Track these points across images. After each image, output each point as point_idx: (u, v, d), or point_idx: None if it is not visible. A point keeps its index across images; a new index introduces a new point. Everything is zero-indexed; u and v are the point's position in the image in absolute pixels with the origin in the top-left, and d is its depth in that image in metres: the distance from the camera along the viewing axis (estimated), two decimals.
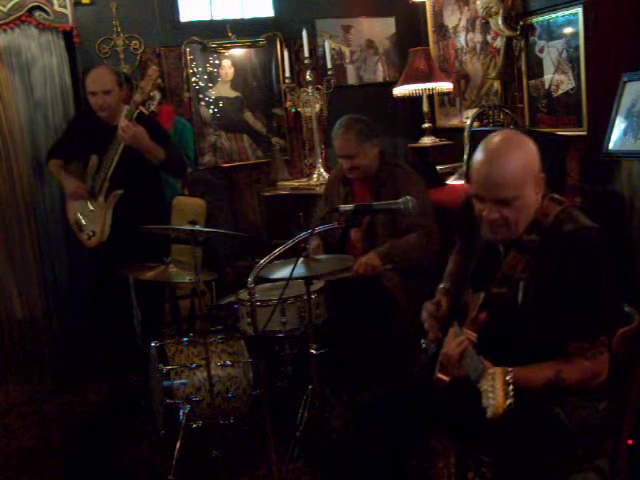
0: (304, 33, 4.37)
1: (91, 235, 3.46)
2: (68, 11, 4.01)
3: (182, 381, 2.93)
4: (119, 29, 4.33)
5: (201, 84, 4.58)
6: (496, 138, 1.84)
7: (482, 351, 1.77)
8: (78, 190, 3.46)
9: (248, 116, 4.74)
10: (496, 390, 1.55)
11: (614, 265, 1.80)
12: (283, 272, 2.53)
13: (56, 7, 3.98)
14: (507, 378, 1.57)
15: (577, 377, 1.75)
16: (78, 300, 4.19)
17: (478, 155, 1.84)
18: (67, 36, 4.06)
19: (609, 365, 1.78)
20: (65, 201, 3.65)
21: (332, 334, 2.97)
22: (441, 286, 2.19)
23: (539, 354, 1.79)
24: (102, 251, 3.45)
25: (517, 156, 1.78)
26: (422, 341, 2.12)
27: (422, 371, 2.06)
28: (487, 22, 4.13)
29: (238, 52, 4.67)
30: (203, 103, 4.60)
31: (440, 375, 1.86)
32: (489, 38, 4.24)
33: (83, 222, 3.50)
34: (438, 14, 4.76)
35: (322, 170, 4.50)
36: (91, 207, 3.47)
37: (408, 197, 2.36)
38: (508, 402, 1.53)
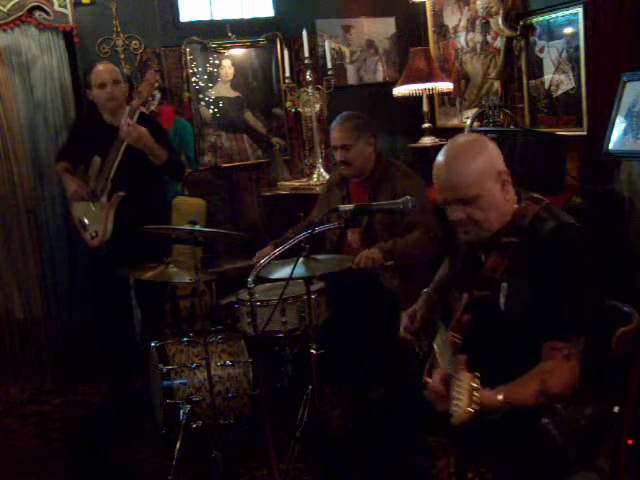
0: (304, 33, 4.37)
1: (94, 235, 3.47)
2: (68, 11, 4.01)
3: (182, 381, 2.94)
4: (119, 29, 4.32)
5: (201, 84, 4.58)
6: (452, 143, 1.89)
7: (469, 352, 1.75)
8: (79, 190, 3.47)
9: (248, 116, 4.74)
10: (462, 396, 1.52)
11: (600, 265, 1.80)
12: (283, 272, 2.54)
13: (56, 7, 3.98)
14: (474, 384, 1.53)
15: (559, 382, 1.70)
16: (78, 300, 4.20)
17: (437, 161, 1.88)
18: (67, 36, 4.06)
19: (579, 373, 1.73)
20: (69, 201, 3.65)
21: (332, 334, 2.96)
22: (425, 290, 2.22)
23: (523, 356, 1.77)
24: (104, 250, 3.45)
25: (472, 155, 1.82)
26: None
27: (417, 373, 2.06)
28: (487, 22, 4.13)
29: (238, 52, 4.67)
30: (203, 103, 4.60)
31: (428, 379, 1.86)
32: (489, 38, 4.23)
33: (86, 222, 3.51)
34: (438, 14, 4.76)
35: (322, 170, 4.50)
36: (94, 208, 3.48)
37: (408, 197, 2.36)
38: (471, 409, 1.50)
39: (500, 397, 1.60)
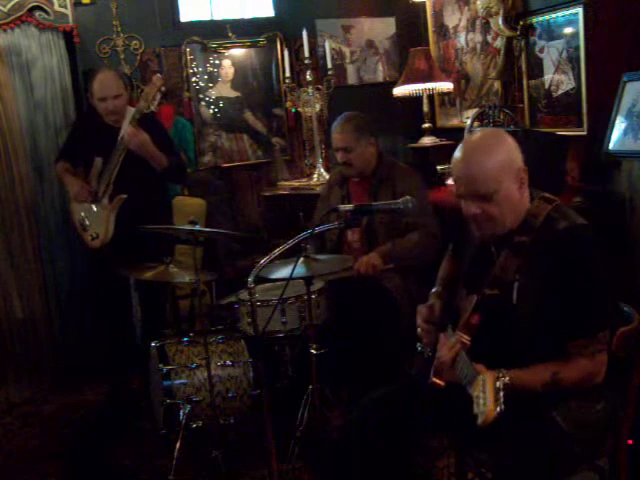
0: (304, 33, 4.37)
1: (95, 237, 3.46)
2: (68, 11, 4.01)
3: (182, 381, 2.93)
4: (119, 29, 4.32)
5: (201, 84, 4.58)
6: (472, 136, 1.89)
7: (478, 354, 1.77)
8: (82, 191, 3.46)
9: (248, 116, 4.74)
10: (486, 397, 1.53)
11: (611, 261, 1.79)
12: (283, 272, 2.53)
13: (56, 7, 3.97)
14: (497, 384, 1.55)
15: (575, 376, 1.73)
16: (78, 300, 4.19)
17: (456, 154, 1.87)
18: (67, 36, 4.05)
19: (607, 366, 1.77)
20: (69, 201, 3.65)
21: (332, 334, 2.96)
22: (434, 290, 2.19)
23: (536, 355, 1.77)
24: (105, 251, 3.44)
25: (492, 150, 1.80)
26: (418, 344, 2.12)
27: (420, 374, 2.06)
28: (487, 22, 4.12)
29: (238, 52, 4.66)
30: (203, 103, 4.60)
31: (435, 379, 1.86)
32: (489, 38, 4.23)
33: (87, 223, 3.50)
34: (438, 14, 4.75)
35: (322, 170, 4.50)
36: (95, 209, 3.47)
37: (408, 197, 2.36)
38: (498, 409, 1.52)
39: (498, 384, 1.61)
